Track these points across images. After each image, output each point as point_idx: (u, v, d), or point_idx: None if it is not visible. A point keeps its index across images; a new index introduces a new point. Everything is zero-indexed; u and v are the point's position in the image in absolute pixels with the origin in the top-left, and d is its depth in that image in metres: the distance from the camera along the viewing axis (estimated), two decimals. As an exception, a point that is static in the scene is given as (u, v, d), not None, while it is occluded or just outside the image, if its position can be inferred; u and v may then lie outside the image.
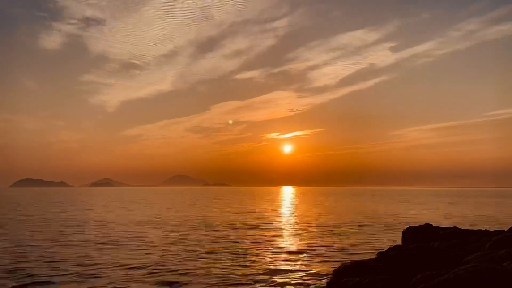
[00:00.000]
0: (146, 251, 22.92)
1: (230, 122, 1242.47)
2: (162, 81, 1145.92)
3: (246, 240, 27.12)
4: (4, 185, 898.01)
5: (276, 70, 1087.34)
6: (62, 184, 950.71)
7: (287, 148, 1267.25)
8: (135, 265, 18.89)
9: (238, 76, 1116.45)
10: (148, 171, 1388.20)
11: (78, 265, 18.99)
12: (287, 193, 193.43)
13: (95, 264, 19.25)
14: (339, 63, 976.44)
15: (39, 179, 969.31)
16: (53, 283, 15.74)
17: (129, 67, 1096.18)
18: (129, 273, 17.38)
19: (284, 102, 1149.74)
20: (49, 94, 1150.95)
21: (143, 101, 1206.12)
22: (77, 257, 21.00)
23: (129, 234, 30.46)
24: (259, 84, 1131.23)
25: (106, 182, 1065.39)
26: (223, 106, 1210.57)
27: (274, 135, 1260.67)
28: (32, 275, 16.83)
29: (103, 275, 16.92)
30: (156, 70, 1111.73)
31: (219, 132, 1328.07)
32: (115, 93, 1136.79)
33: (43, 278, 16.44)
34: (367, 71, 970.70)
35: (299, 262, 19.78)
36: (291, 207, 70.62)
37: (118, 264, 19.08)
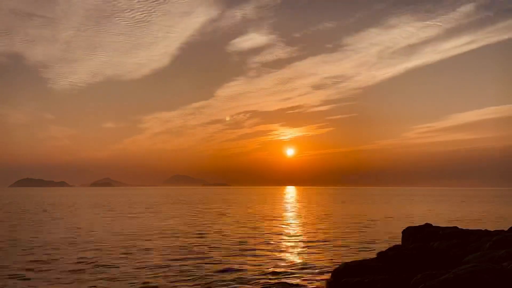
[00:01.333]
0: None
1: (228, 118, 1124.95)
2: (162, 56, 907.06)
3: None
4: (4, 185, 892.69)
5: (298, 33, 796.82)
6: (62, 184, 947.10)
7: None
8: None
9: (250, 45, 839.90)
10: (148, 170, 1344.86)
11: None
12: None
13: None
14: (390, 22, 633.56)
15: (40, 179, 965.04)
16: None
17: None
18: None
19: (301, 86, 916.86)
20: (26, 75, 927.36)
21: (139, 84, 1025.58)
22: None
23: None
24: (274, 56, 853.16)
25: (106, 182, 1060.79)
26: (229, 88, 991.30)
27: (282, 130, 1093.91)
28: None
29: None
30: (156, 40, 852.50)
31: (220, 123, 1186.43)
32: (105, 72, 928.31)
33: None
34: (437, 36, 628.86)
35: (299, 262, 19.76)
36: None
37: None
